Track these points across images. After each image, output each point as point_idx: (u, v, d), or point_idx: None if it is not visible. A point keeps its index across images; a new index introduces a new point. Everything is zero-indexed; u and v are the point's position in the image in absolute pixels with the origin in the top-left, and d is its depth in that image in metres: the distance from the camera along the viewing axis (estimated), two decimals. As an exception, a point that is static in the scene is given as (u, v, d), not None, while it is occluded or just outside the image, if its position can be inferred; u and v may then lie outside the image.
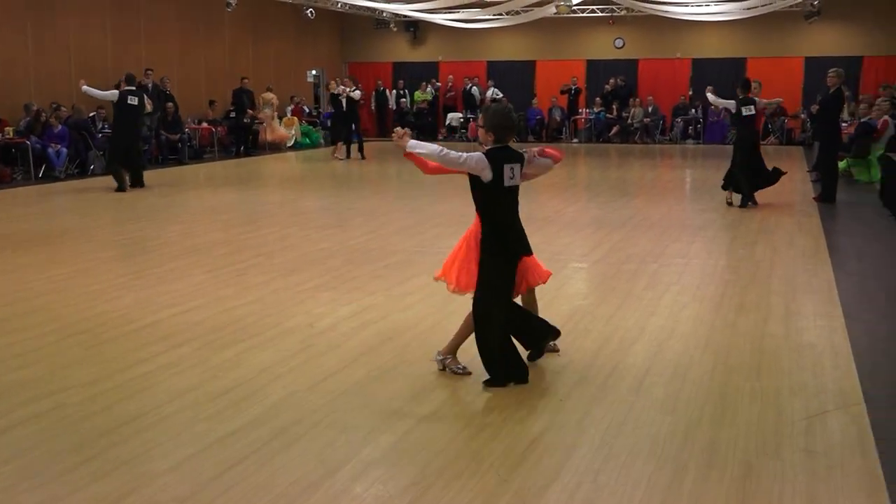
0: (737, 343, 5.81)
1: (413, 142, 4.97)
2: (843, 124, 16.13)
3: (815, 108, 13.26)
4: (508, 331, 5.08)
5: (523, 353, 5.20)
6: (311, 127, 25.84)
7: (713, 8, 23.35)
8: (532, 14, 24.42)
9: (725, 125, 24.17)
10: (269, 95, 23.90)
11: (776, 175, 12.42)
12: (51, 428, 4.38)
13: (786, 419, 4.46)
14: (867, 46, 24.91)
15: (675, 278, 7.78)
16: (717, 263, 8.56)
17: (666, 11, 23.87)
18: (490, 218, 5.04)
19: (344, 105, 20.68)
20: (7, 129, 16.46)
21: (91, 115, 18.34)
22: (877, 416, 4.50)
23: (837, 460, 3.99)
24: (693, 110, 26.02)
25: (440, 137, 27.61)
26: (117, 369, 5.29)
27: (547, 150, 5.29)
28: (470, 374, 5.11)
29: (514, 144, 5.09)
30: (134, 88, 14.84)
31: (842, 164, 14.94)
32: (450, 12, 25.16)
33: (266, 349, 5.70)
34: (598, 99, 26.43)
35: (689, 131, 25.93)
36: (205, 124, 22.09)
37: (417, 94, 28.27)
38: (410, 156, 5.06)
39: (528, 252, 5.17)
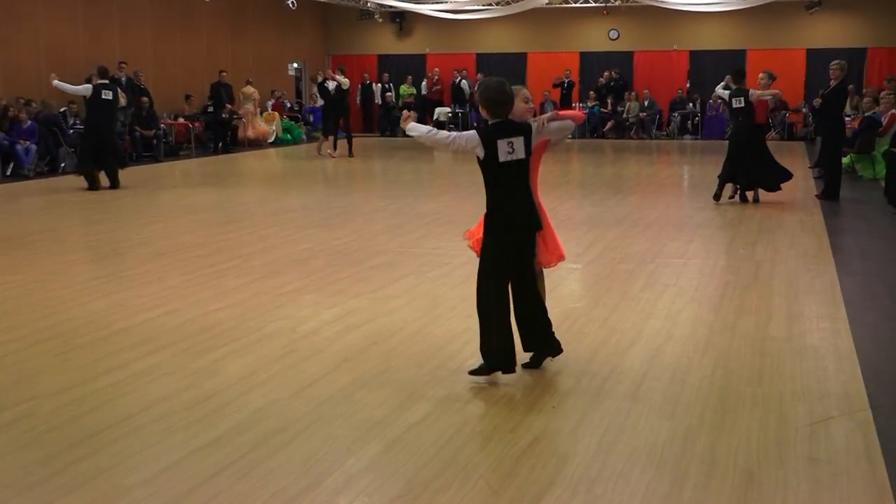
0: (737, 346, 5.82)
1: (412, 124, 5.24)
2: (847, 119, 16.20)
3: (817, 101, 13.26)
4: (506, 313, 5.10)
5: (522, 356, 5.19)
6: (292, 122, 25.82)
7: (711, -3, 23.45)
8: (523, 4, 24.43)
9: (724, 119, 24.20)
10: (250, 90, 23.87)
11: (778, 177, 12.46)
12: (17, 439, 4.35)
13: (788, 425, 4.46)
14: (871, 37, 25.02)
15: (673, 279, 7.79)
16: (717, 263, 8.58)
17: (662, 1, 23.93)
18: (489, 195, 5.14)
19: (332, 95, 20.45)
20: (-27, 125, 16.41)
21: (62, 110, 18.26)
22: (883, 421, 4.51)
23: (842, 468, 3.99)
24: (691, 104, 26.10)
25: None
26: (88, 377, 5.25)
27: (561, 112, 5.31)
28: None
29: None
30: (107, 82, 14.76)
31: (845, 160, 14.99)
32: (437, 2, 25.17)
33: (246, 355, 5.67)
34: (592, 93, 26.48)
35: (688, 126, 26.00)
36: (181, 120, 22.05)
37: (403, 88, 28.27)
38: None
39: (529, 229, 5.15)
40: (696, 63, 26.50)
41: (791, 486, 3.81)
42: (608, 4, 26.30)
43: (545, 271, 5.54)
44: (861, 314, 6.59)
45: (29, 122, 16.84)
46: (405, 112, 5.50)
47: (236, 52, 25.07)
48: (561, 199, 12.88)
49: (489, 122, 5.09)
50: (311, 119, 27.08)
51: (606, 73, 26.60)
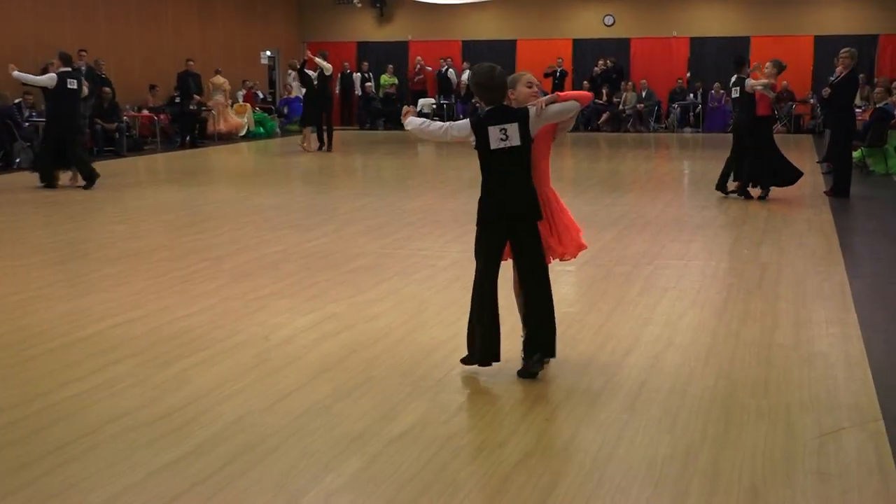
0: (741, 354, 5.84)
1: (410, 118, 5.58)
2: (858, 110, 16.30)
3: (826, 92, 13.33)
4: (489, 303, 5.28)
5: (516, 357, 5.21)
6: (265, 115, 25.78)
7: (713, -19, 23.55)
8: (512, -12, 24.48)
9: (727, 111, 24.33)
10: (220, 79, 23.84)
11: (783, 176, 12.54)
12: (-31, 457, 4.32)
13: (796, 438, 4.48)
14: (883, 23, 25.17)
15: (673, 282, 7.81)
16: (719, 266, 8.61)
17: (661, -15, 24.03)
18: (483, 181, 5.32)
19: (314, 83, 20.36)
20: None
21: (16, 101, 18.16)
22: (896, 433, 4.54)
23: (853, 483, 4.01)
24: (691, 95, 26.20)
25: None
26: (43, 391, 5.22)
27: (561, 94, 5.34)
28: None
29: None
30: (71, 70, 14.62)
31: (856, 155, 15.07)
32: (420, -14, 25.19)
33: (215, 365, 5.66)
34: (585, 83, 26.49)
35: (688, 118, 26.08)
36: (145, 112, 21.99)
37: (384, 78, 28.26)
38: None
39: (525, 219, 5.24)
40: (696, 51, 26.62)
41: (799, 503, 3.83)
42: (603, -12, 26.40)
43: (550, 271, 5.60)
44: (873, 319, 6.62)
45: (-20, 115, 16.77)
46: (405, 107, 5.78)
47: (205, 39, 25.01)
48: (553, 197, 12.90)
49: (484, 110, 5.30)
50: (286, 111, 27.05)
51: (601, 62, 26.68)
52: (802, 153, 19.21)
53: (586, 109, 26.21)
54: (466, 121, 5.31)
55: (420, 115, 26.84)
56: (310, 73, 20.40)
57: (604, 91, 26.30)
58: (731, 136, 13.84)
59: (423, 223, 10.83)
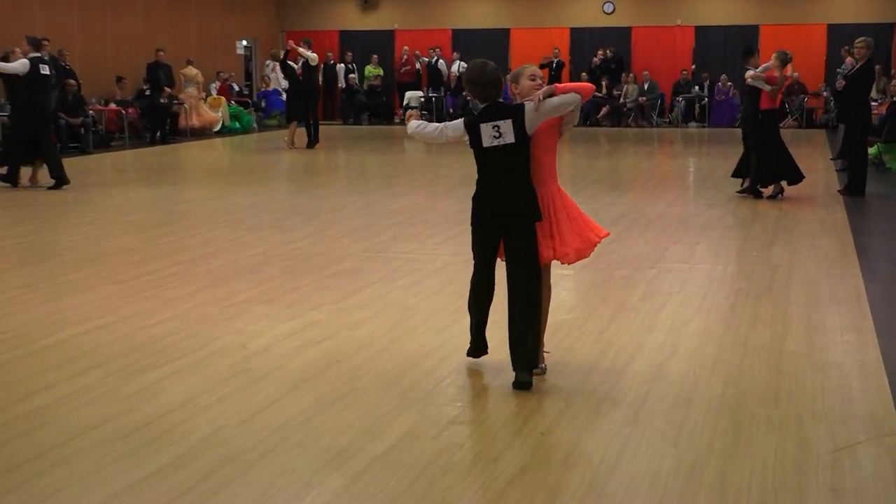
0: (750, 362, 5.86)
1: (412, 122, 5.76)
2: (873, 104, 16.34)
3: (840, 84, 13.39)
4: (480, 298, 5.61)
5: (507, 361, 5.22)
6: (241, 108, 25.75)
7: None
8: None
9: (735, 104, 24.40)
10: (192, 71, 23.80)
11: (781, 175, 12.62)
12: (-74, 473, 4.31)
13: (808, 452, 4.50)
14: (901, 11, 25.26)
15: (677, 287, 7.84)
16: (726, 269, 8.64)
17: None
18: (477, 179, 5.48)
19: (299, 75, 20.29)
20: None
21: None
22: (915, 447, 4.56)
23: (869, 500, 4.03)
24: (696, 87, 26.25)
25: (397, 120, 27.62)
26: (8, 402, 5.21)
27: (559, 86, 5.37)
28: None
29: None
30: (41, 55, 14.44)
31: (872, 151, 15.12)
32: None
33: (189, 375, 5.66)
34: (584, 74, 26.51)
35: (693, 112, 26.11)
36: (112, 105, 21.93)
37: (369, 69, 28.25)
38: None
39: (521, 219, 5.34)
40: (702, 40, 26.68)
41: (811, 521, 3.85)
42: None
43: (552, 273, 5.74)
44: (890, 326, 6.64)
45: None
46: (409, 111, 6.08)
47: (177, 28, 24.98)
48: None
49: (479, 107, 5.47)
50: (264, 105, 27.03)
51: (601, 52, 26.72)
52: (815, 149, 19.27)
53: (585, 103, 26.13)
54: (460, 120, 5.49)
55: (407, 109, 27.02)
56: (292, 64, 20.39)
57: (603, 83, 26.31)
58: (739, 131, 13.93)
59: (410, 224, 10.83)
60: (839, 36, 24.36)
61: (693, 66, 26.60)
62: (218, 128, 24.24)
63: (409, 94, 27.71)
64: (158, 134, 22.00)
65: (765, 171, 12.55)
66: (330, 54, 28.19)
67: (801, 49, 24.51)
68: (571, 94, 5.33)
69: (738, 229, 10.59)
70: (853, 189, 12.93)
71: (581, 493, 4.08)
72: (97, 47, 22.34)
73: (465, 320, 5.88)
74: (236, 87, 26.91)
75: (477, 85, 5.40)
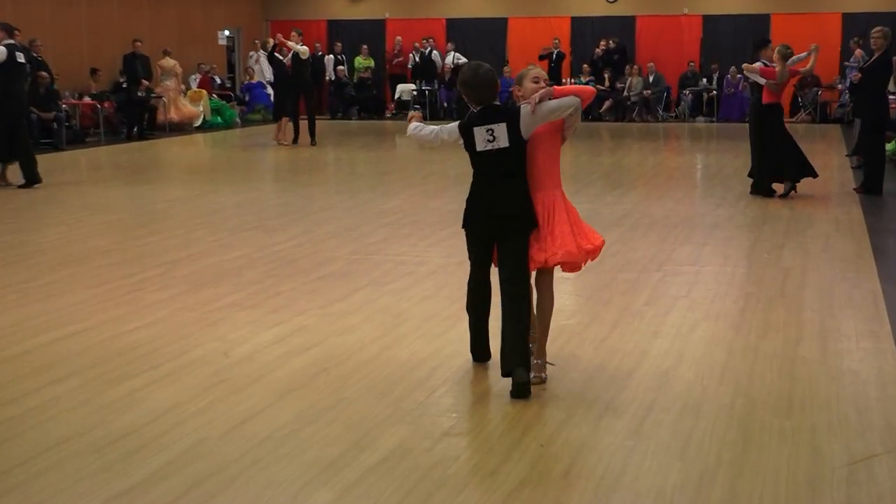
0: (761, 370, 5.86)
1: (412, 124, 5.89)
2: (891, 97, 16.36)
3: (855, 76, 13.41)
4: (476, 304, 5.79)
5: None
6: (223, 102, 25.74)
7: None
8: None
9: (745, 98, 24.43)
10: (170, 62, 23.78)
11: (794, 171, 12.63)
12: None
13: (823, 464, 4.51)
14: (920, -1, 25.28)
15: (684, 291, 7.84)
16: (736, 272, 8.65)
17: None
18: (472, 182, 5.60)
19: (287, 68, 20.28)
20: None
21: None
22: (934, 459, 4.56)
23: (886, 515, 4.04)
24: (704, 80, 26.26)
25: (388, 115, 27.62)
26: (-24, 413, 5.22)
27: (558, 89, 5.40)
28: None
29: None
30: (15, 42, 14.24)
31: (889, 147, 15.15)
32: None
33: (168, 385, 5.65)
34: (586, 66, 26.57)
35: (701, 106, 26.12)
36: (87, 99, 21.91)
37: (359, 60, 28.23)
38: None
39: (516, 225, 5.45)
40: (710, 30, 26.67)
41: (826, 537, 3.86)
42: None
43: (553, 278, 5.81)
44: (908, 331, 6.66)
45: None
46: (411, 113, 6.18)
47: (155, 18, 24.96)
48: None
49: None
50: (247, 98, 27.00)
51: (603, 43, 26.71)
52: (829, 145, 19.30)
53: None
54: (455, 124, 5.62)
55: (398, 102, 27.03)
56: (279, 56, 20.38)
57: (606, 76, 26.32)
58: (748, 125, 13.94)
59: (401, 224, 10.83)
60: (854, 25, 24.41)
61: (701, 58, 26.59)
62: (199, 123, 24.22)
63: (400, 87, 27.70)
64: (135, 129, 21.96)
65: (765, 167, 12.55)
66: (318, 45, 28.13)
67: (815, 39, 24.34)
68: (570, 97, 5.35)
69: (749, 230, 10.60)
70: (869, 187, 12.95)
71: (583, 508, 4.09)
72: (70, 37, 22.30)
73: (460, 326, 5.89)
74: (218, 80, 26.88)
75: (470, 87, 5.50)
